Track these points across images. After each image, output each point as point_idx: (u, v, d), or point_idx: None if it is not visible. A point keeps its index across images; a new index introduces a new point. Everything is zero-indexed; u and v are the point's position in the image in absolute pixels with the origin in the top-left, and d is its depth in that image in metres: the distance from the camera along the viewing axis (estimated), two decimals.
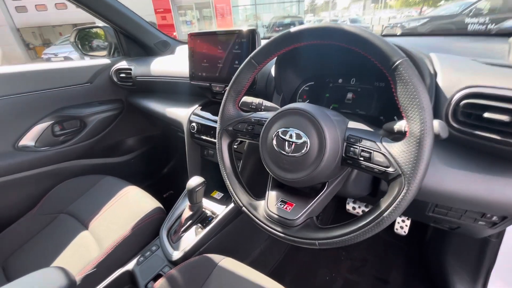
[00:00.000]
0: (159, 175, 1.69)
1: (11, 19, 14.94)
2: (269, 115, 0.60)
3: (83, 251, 0.89)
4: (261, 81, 0.84)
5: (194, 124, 0.98)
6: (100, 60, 1.35)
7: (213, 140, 0.94)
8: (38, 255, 0.91)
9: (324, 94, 0.81)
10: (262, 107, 0.67)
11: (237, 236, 0.99)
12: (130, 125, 1.51)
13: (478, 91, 0.51)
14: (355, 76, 0.76)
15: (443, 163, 0.56)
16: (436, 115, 0.58)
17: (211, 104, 1.06)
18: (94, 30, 1.54)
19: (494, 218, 0.58)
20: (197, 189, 0.86)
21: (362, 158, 0.45)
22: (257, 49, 0.56)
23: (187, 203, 0.92)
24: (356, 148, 0.46)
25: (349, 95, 0.76)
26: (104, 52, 1.53)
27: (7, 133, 1.10)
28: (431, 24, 7.03)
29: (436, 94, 0.57)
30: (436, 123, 0.42)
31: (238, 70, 0.59)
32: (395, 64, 0.41)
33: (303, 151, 0.47)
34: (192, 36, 0.92)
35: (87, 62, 1.30)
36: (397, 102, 0.42)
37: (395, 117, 0.68)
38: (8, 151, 1.11)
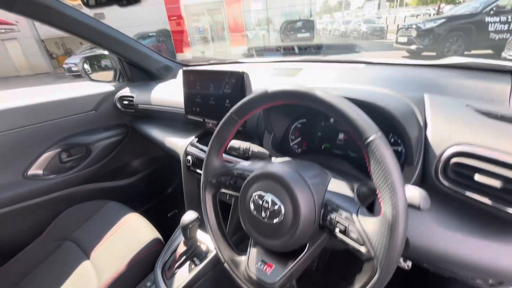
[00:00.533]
0: (164, 195, 1.72)
1: (36, 31, 15.81)
2: (253, 167, 0.59)
3: (83, 284, 0.92)
4: (252, 119, 0.83)
5: (189, 157, 0.99)
6: (104, 87, 1.39)
7: None
8: (41, 285, 0.95)
9: (316, 133, 0.79)
10: (249, 153, 0.67)
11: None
12: (134, 147, 1.55)
13: (469, 151, 0.48)
14: None
15: (433, 220, 0.53)
16: (426, 171, 0.55)
17: (208, 134, 1.07)
18: (100, 56, 1.60)
19: (490, 281, 0.54)
20: (191, 225, 0.86)
21: (337, 230, 0.43)
22: (238, 104, 0.55)
23: (182, 238, 0.92)
24: (332, 217, 0.44)
25: (341, 136, 0.74)
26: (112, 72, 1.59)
27: (16, 163, 1.16)
28: (448, 25, 6.76)
29: (425, 148, 0.55)
30: (417, 193, 0.40)
31: (219, 125, 0.58)
32: (368, 140, 0.39)
33: (277, 219, 0.46)
34: (186, 72, 0.93)
35: (92, 90, 1.35)
36: (371, 178, 0.40)
37: None
38: (18, 181, 1.17)
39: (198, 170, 0.98)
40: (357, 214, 0.42)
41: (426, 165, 0.54)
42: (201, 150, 0.99)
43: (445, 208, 0.54)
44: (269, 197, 0.47)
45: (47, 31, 15.76)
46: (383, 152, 0.37)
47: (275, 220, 0.46)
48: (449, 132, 0.53)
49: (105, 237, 1.06)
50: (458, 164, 0.49)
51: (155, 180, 1.67)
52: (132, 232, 1.06)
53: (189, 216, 0.86)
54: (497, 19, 6.42)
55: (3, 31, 14.25)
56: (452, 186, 0.51)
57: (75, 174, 1.30)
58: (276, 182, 0.47)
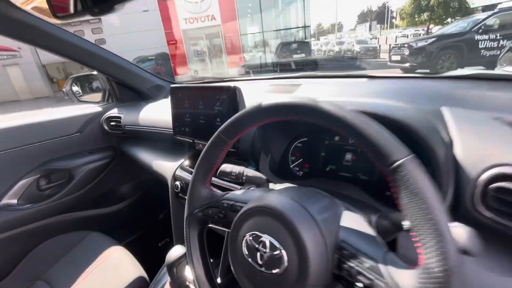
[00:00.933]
0: (154, 222, 1.59)
1: (38, 57, 16.18)
2: (246, 196, 0.49)
3: None
4: (246, 139, 0.74)
5: (178, 183, 0.89)
6: (91, 108, 1.32)
7: None
8: None
9: (320, 153, 0.70)
10: (243, 178, 0.57)
11: None
12: (122, 171, 1.44)
13: None
14: None
15: (477, 262, 0.42)
16: (458, 198, 0.45)
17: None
18: (90, 76, 1.54)
19: None
20: (178, 263, 0.74)
21: (360, 285, 0.32)
22: (226, 123, 0.47)
23: (168, 278, 0.79)
24: (352, 266, 0.33)
25: (348, 156, 0.65)
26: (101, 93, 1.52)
27: None
28: (439, 43, 6.93)
29: (455, 170, 0.45)
30: (464, 234, 0.29)
31: (206, 147, 0.49)
32: (395, 165, 0.29)
33: (278, 268, 0.35)
34: (174, 89, 0.86)
35: (77, 112, 1.27)
36: (402, 212, 0.30)
37: None
38: None
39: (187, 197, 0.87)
40: (385, 263, 0.31)
41: (458, 191, 0.45)
42: (191, 174, 0.89)
43: (489, 245, 0.43)
44: (266, 239, 0.36)
45: (46, 55, 16.16)
46: (418, 180, 0.28)
47: (276, 270, 0.35)
48: (483, 151, 0.43)
49: (82, 276, 0.93)
50: (501, 190, 0.40)
51: (144, 206, 1.54)
52: (113, 269, 0.93)
53: (175, 251, 0.74)
54: (486, 36, 6.62)
55: (5, 57, 14.56)
56: (495, 217, 0.41)
57: (55, 203, 1.19)
58: (274, 219, 0.37)
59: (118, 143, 1.36)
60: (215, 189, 0.53)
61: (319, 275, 0.34)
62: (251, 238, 0.38)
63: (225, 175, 0.59)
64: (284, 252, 0.35)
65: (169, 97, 1.34)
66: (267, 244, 0.36)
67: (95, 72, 1.37)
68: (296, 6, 15.33)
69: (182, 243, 0.76)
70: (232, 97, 0.68)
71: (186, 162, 0.95)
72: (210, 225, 0.51)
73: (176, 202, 0.94)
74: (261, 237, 0.37)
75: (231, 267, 0.42)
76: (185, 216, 0.52)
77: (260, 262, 0.37)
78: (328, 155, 0.68)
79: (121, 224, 1.43)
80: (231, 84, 0.72)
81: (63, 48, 1.06)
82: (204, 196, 0.51)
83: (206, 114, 0.77)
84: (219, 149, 0.48)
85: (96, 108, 1.32)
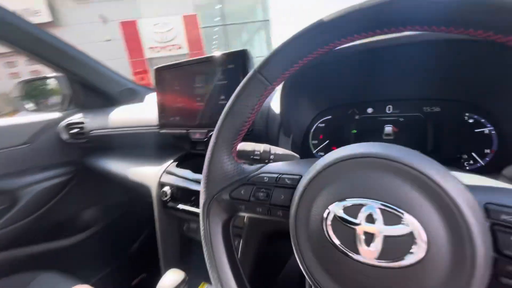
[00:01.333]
0: (127, 254, 1.30)
1: None
2: (292, 167, 0.34)
3: None
4: (259, 120, 0.60)
5: (166, 188, 0.69)
6: (46, 114, 1.07)
7: (196, 210, 0.65)
8: None
9: (350, 130, 0.58)
10: (271, 158, 0.42)
11: None
12: (86, 192, 1.17)
13: None
14: (390, 102, 0.54)
15: None
16: None
17: (190, 157, 0.79)
18: (46, 82, 1.30)
19: None
20: None
21: None
22: (267, 56, 0.31)
23: None
24: None
25: (388, 129, 0.53)
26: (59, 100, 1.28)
27: None
28: None
29: None
30: None
31: (233, 96, 0.33)
32: None
33: (409, 257, 0.20)
34: (159, 71, 0.70)
35: (28, 118, 1.02)
36: None
37: (474, 154, 0.45)
38: None
39: (181, 206, 0.68)
40: None
41: None
42: (183, 177, 0.71)
43: None
44: (376, 206, 0.21)
45: None
46: None
47: (404, 257, 0.20)
48: None
49: None
50: None
51: (115, 235, 1.26)
52: None
53: (170, 278, 0.54)
54: None
55: None
56: None
57: None
58: (390, 172, 0.22)
59: (80, 156, 1.11)
60: (242, 161, 0.36)
61: (487, 264, 0.19)
62: (341, 210, 0.23)
63: (244, 156, 0.43)
64: (419, 228, 0.20)
65: (145, 100, 1.16)
66: (378, 215, 0.21)
67: (51, 74, 1.15)
68: (259, 36, 16.22)
69: (174, 267, 0.57)
70: (241, 62, 0.54)
71: (175, 164, 0.76)
72: (242, 214, 0.34)
73: (165, 216, 0.73)
74: (363, 205, 0.22)
75: (303, 270, 0.25)
76: (201, 202, 0.34)
77: (364, 247, 0.21)
78: (361, 132, 0.57)
79: (83, 260, 1.13)
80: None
81: (13, 37, 0.85)
82: (231, 171, 0.34)
83: (205, 93, 0.62)
84: (254, 97, 0.32)
85: (52, 115, 1.08)
